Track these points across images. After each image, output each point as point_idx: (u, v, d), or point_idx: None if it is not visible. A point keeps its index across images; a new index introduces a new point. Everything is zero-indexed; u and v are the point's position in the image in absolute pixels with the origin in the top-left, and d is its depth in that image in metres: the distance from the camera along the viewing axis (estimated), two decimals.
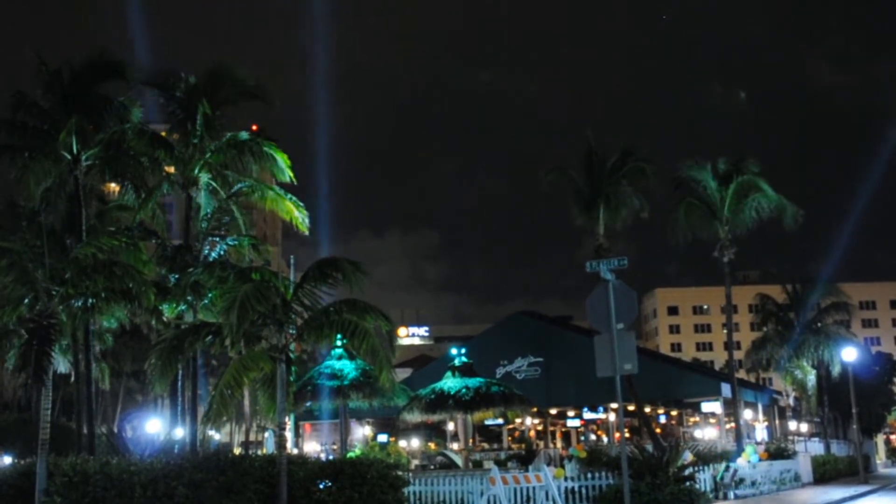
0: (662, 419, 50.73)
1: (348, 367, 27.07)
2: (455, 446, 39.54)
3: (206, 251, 25.02)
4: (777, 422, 51.26)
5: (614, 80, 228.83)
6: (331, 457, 27.29)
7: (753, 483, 27.53)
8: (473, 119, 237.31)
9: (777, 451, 33.11)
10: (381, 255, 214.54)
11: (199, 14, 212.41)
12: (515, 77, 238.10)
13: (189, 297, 23.15)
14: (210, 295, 22.29)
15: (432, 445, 46.81)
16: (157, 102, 26.22)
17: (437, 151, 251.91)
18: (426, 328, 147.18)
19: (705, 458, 25.93)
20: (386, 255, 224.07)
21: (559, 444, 52.57)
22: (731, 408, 37.02)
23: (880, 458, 59.38)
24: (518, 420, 44.03)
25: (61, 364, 24.94)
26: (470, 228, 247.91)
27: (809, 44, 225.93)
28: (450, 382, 28.08)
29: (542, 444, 48.90)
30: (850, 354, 39.78)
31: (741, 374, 47.58)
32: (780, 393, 54.82)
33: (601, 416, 47.15)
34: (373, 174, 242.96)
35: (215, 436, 47.43)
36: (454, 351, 31.21)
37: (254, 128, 28.28)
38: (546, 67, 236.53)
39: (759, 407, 47.26)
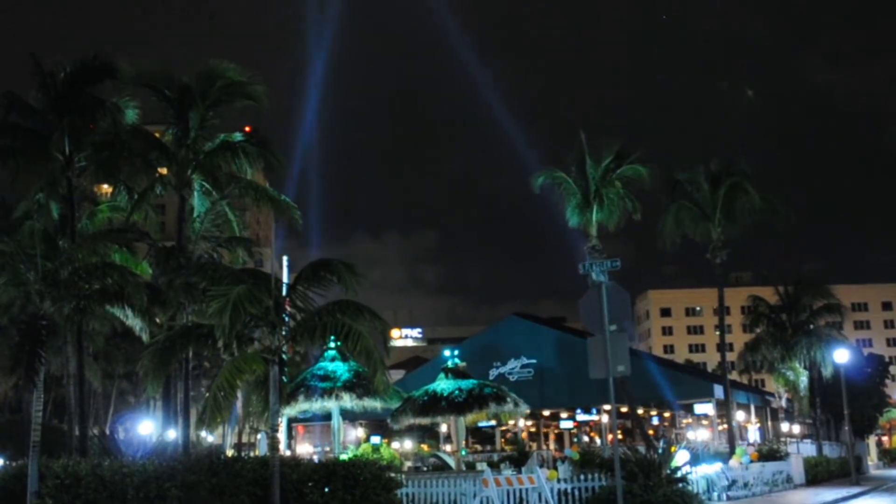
0: (655, 421, 50.81)
1: (341, 369, 27.05)
2: (448, 448, 39.54)
3: (199, 253, 24.98)
4: (769, 423, 51.39)
5: (613, 80, 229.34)
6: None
7: (746, 484, 27.60)
8: (471, 120, 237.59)
9: (769, 453, 33.19)
10: (377, 257, 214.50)
11: (191, 8, 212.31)
12: (513, 77, 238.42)
13: (182, 299, 23.11)
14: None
15: (425, 447, 46.75)
16: (151, 103, 26.18)
17: (435, 153, 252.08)
18: (419, 330, 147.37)
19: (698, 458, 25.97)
20: (382, 257, 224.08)
21: (552, 445, 52.59)
22: (724, 409, 37.10)
23: (872, 459, 59.52)
24: (511, 422, 44.04)
25: (52, 365, 24.88)
26: (467, 230, 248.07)
27: (807, 43, 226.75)
28: (443, 384, 28.09)
29: (534, 445, 48.92)
30: (842, 356, 39.89)
31: (734, 376, 47.66)
32: (772, 394, 54.94)
33: (594, 417, 47.19)
34: (370, 176, 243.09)
35: (208, 437, 47.30)
36: (447, 353, 31.21)
37: (247, 129, 28.25)
38: (546, 66, 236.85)
39: (752, 408, 47.38)
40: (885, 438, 78.53)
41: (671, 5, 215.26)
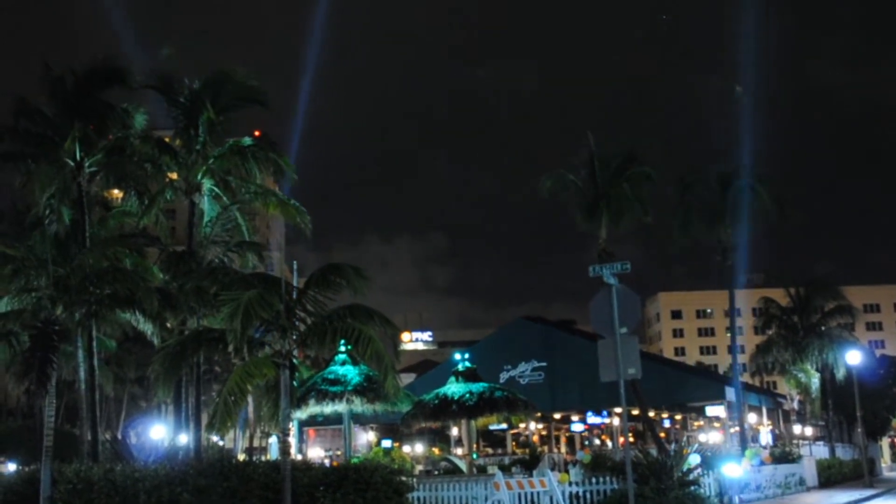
0: (667, 423, 50.65)
1: (352, 373, 27.01)
2: (459, 451, 39.48)
3: (210, 257, 25.03)
4: (781, 425, 51.14)
5: (615, 80, 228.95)
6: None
7: (758, 487, 27.46)
8: (481, 124, 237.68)
9: (782, 455, 33.03)
10: (388, 260, 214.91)
11: (191, 18, 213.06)
12: (520, 79, 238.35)
13: (192, 304, 23.17)
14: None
15: (436, 451, 46.74)
16: (162, 108, 26.27)
17: (446, 156, 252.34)
18: (430, 333, 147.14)
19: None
20: (393, 260, 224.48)
21: (563, 448, 52.45)
22: (736, 411, 36.92)
23: (885, 461, 59.24)
24: (522, 425, 43.94)
25: (64, 370, 24.98)
26: (477, 233, 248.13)
27: (813, 42, 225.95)
28: (453, 387, 28.02)
29: (546, 448, 48.83)
30: (854, 358, 39.68)
31: (745, 378, 47.45)
32: (784, 396, 54.70)
33: (605, 420, 47.04)
34: (381, 179, 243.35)
35: (219, 442, 47.39)
36: (458, 356, 31.14)
37: (256, 133, 28.32)
38: (549, 69, 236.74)
39: (764, 410, 47.16)
40: None
41: (671, 5, 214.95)
